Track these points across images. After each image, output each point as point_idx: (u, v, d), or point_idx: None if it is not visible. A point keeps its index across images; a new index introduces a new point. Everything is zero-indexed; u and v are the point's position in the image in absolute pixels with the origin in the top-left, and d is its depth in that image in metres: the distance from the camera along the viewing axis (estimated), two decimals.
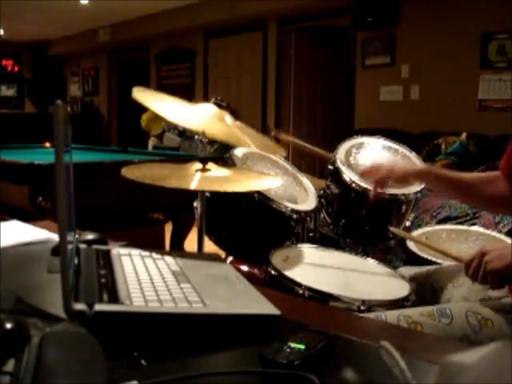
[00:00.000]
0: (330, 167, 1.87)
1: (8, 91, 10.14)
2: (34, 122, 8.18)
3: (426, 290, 1.42)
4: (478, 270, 1.11)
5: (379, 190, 1.52)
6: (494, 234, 2.00)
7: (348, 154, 1.91)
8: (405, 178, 1.51)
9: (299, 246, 1.63)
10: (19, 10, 7.11)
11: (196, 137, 1.40)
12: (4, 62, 10.09)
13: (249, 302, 0.83)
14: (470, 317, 1.12)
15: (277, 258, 1.44)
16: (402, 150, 1.97)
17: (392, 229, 1.70)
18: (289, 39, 6.39)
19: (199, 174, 1.36)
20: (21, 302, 0.75)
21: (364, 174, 1.67)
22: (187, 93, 7.47)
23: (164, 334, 0.71)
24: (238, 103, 6.77)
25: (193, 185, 1.31)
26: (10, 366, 0.53)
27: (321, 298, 1.24)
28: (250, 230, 1.78)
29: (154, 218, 3.70)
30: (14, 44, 9.75)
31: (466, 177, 1.43)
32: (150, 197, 2.88)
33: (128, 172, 1.33)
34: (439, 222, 2.80)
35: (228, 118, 1.53)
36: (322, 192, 1.89)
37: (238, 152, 1.86)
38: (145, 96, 1.54)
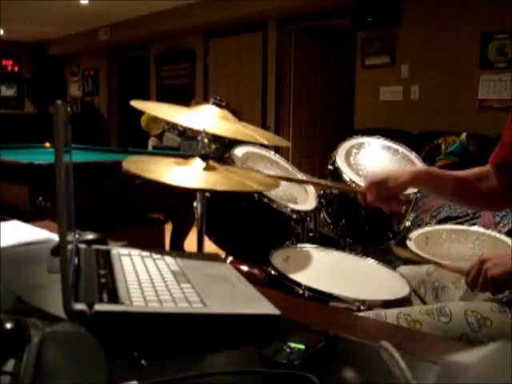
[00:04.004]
0: (330, 167, 1.87)
1: (8, 91, 10.14)
2: (34, 122, 8.20)
3: (427, 290, 1.42)
4: (478, 277, 1.13)
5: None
6: (494, 234, 1.99)
7: (348, 154, 1.91)
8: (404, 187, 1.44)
9: (299, 245, 1.63)
10: (19, 10, 7.11)
11: (199, 136, 1.39)
12: (4, 62, 10.10)
13: (249, 302, 0.83)
14: (469, 316, 1.12)
15: (277, 258, 1.43)
16: (402, 149, 1.97)
17: (397, 250, 1.58)
18: (289, 39, 6.39)
19: (200, 172, 1.36)
20: (21, 302, 0.75)
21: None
22: (187, 93, 7.48)
23: (164, 334, 0.71)
24: (237, 103, 6.76)
25: (193, 183, 1.31)
26: (10, 366, 0.53)
27: (321, 298, 1.24)
28: (250, 230, 1.77)
29: (154, 218, 3.70)
30: (14, 44, 9.76)
31: (461, 174, 1.39)
32: (150, 197, 2.89)
33: (128, 164, 1.33)
34: (439, 222, 2.80)
35: (230, 116, 1.53)
36: (322, 192, 1.89)
37: (238, 152, 1.86)
38: (144, 105, 1.53)
